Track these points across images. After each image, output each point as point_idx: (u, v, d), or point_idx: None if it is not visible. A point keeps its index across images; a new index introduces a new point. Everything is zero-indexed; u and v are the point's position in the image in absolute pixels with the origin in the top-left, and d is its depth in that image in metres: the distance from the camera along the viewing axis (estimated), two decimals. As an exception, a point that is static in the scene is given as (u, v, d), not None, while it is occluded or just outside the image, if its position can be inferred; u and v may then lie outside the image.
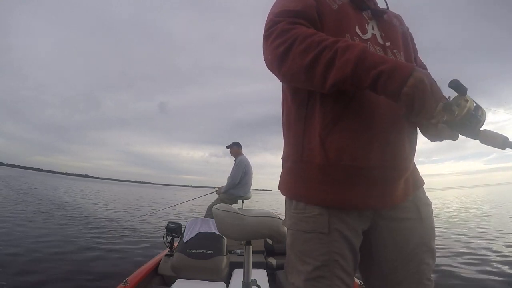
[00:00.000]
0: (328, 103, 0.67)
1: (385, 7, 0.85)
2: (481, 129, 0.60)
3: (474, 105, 0.58)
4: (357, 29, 0.72)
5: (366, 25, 0.75)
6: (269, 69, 0.70)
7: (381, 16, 0.80)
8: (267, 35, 0.68)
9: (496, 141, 0.59)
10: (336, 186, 0.68)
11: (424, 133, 0.76)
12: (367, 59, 0.56)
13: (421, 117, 0.56)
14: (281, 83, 0.80)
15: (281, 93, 0.84)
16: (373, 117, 0.66)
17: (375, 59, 0.56)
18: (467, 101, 0.58)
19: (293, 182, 0.75)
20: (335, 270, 0.66)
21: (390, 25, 0.81)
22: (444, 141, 0.70)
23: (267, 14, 0.73)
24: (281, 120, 0.84)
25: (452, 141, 0.67)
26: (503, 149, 0.59)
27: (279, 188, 0.81)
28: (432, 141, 0.75)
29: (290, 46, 0.62)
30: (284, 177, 0.79)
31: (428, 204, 0.79)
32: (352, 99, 0.66)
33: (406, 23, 0.89)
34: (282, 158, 0.80)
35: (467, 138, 0.62)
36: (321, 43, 0.60)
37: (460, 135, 0.64)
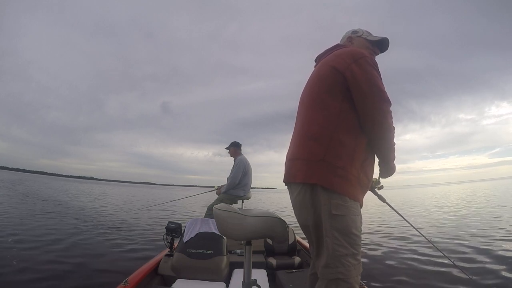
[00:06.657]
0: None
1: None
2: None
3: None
4: None
5: None
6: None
7: None
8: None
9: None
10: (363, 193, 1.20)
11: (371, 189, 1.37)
12: None
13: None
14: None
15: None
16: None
17: None
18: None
19: (358, 190, 1.14)
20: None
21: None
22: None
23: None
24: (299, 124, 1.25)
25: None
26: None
27: (344, 192, 1.08)
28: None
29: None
30: (353, 185, 1.11)
31: None
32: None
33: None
34: (349, 171, 1.09)
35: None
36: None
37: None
